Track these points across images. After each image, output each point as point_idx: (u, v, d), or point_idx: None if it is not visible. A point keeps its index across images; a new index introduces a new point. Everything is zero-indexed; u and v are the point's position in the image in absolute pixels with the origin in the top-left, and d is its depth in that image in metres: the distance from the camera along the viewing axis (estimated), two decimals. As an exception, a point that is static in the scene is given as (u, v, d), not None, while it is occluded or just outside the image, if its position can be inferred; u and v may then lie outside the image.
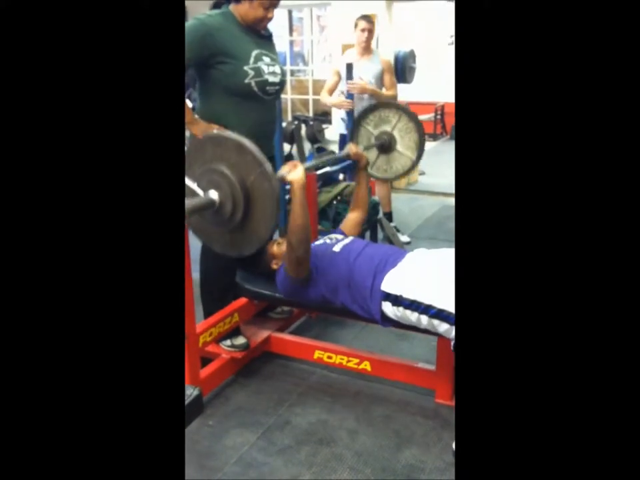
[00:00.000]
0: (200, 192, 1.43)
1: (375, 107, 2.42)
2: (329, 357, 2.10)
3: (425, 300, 1.63)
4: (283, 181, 1.74)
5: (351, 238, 2.02)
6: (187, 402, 1.82)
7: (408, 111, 2.37)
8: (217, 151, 1.41)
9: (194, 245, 1.79)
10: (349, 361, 2.07)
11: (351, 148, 2.22)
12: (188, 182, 1.43)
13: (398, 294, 1.69)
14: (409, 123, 2.34)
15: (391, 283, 1.72)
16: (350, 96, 3.28)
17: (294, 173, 1.73)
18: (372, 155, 2.42)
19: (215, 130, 1.98)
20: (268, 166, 1.37)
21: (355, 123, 2.51)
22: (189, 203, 1.38)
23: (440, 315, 1.60)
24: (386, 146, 2.41)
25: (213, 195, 1.41)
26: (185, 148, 1.57)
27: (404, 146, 2.37)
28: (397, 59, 4.80)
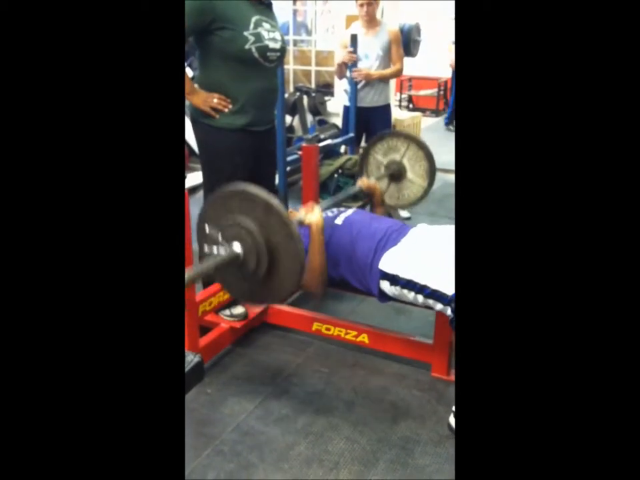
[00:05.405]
0: (220, 238, 1.42)
1: (383, 137, 2.40)
2: (327, 329, 2.11)
3: (420, 280, 1.64)
4: (301, 224, 1.72)
5: (353, 209, 2.01)
6: (188, 368, 1.83)
7: (416, 140, 2.34)
8: (243, 205, 1.39)
9: (194, 215, 1.78)
10: (347, 333, 2.08)
11: (363, 182, 2.18)
12: (212, 230, 1.41)
13: (395, 273, 1.70)
14: (419, 152, 2.31)
15: (389, 262, 1.73)
16: (351, 85, 3.25)
17: (311, 215, 1.73)
18: (383, 183, 2.41)
19: (215, 99, 1.96)
20: (294, 227, 1.35)
21: (363, 153, 2.47)
22: (215, 261, 1.37)
23: (434, 295, 1.62)
24: (396, 175, 2.38)
25: (237, 247, 1.39)
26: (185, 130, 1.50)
27: (414, 174, 2.35)
28: (401, 32, 4.72)
